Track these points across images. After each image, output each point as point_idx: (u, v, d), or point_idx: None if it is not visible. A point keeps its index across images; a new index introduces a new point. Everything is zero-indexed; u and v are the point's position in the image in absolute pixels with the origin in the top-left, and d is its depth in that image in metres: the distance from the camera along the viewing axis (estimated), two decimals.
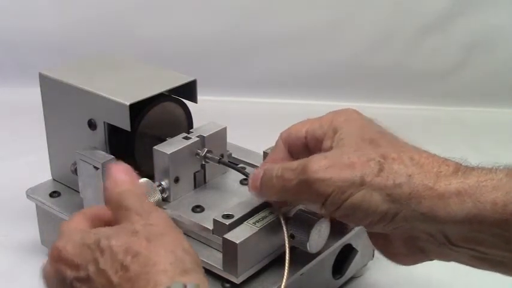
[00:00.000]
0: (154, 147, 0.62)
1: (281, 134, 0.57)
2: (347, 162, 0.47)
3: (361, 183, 0.46)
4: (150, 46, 1.25)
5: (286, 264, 0.53)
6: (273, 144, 0.73)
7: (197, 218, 0.60)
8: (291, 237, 0.57)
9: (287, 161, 0.54)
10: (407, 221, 0.46)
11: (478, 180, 0.45)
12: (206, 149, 0.63)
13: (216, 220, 0.58)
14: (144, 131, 0.66)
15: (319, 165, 0.47)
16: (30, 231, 0.78)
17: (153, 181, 0.62)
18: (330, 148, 0.51)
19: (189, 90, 0.69)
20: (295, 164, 0.50)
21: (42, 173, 0.76)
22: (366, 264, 0.73)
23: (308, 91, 1.27)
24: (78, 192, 0.68)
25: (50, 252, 0.46)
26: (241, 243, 0.55)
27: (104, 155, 0.65)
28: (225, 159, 0.65)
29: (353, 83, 1.28)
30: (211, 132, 0.65)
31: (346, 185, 0.46)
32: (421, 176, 0.46)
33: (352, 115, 0.53)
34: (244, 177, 0.65)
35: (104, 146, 0.67)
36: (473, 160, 1.11)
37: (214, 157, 0.63)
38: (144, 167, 0.67)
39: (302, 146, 0.55)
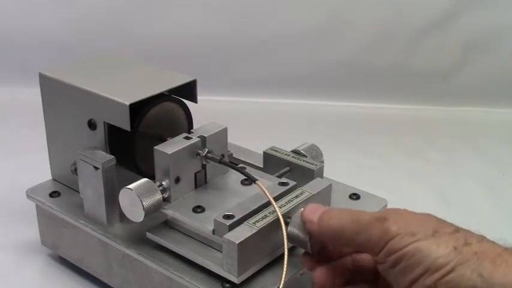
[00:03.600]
0: (155, 147, 0.62)
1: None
2: (425, 219, 0.47)
3: (433, 234, 0.45)
4: (150, 46, 1.25)
5: (285, 264, 0.53)
6: (273, 144, 0.73)
7: (198, 218, 0.60)
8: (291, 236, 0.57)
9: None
10: (461, 281, 0.44)
11: None
12: (207, 149, 0.63)
13: (217, 220, 0.58)
14: (144, 131, 0.66)
15: (399, 212, 0.48)
16: (30, 231, 0.78)
17: (154, 181, 0.61)
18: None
19: (189, 90, 0.69)
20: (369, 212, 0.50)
21: (42, 173, 0.76)
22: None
23: (308, 91, 1.27)
24: (78, 192, 0.68)
25: None
26: (241, 243, 0.55)
27: (104, 155, 0.65)
28: (226, 160, 0.65)
29: (353, 83, 1.28)
30: (212, 133, 0.65)
31: (417, 231, 0.45)
32: (490, 243, 0.45)
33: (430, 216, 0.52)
34: (245, 177, 0.65)
35: (104, 146, 0.67)
36: (472, 160, 1.11)
37: (215, 157, 0.63)
38: (144, 167, 0.67)
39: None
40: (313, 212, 0.53)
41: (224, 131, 0.66)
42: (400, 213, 0.48)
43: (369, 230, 0.47)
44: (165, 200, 0.62)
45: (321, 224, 0.51)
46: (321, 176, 0.69)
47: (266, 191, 0.57)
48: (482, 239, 0.45)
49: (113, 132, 0.66)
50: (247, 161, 0.73)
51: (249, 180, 0.64)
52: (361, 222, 0.48)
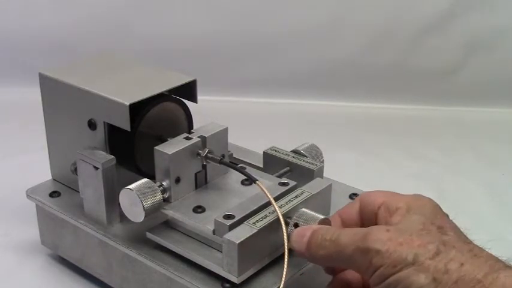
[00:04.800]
0: (156, 147, 0.62)
1: (361, 194, 0.58)
2: (407, 239, 0.47)
3: (413, 262, 0.46)
4: (150, 46, 1.25)
5: (285, 264, 0.53)
6: (273, 144, 0.73)
7: (198, 218, 0.60)
8: (295, 226, 0.57)
9: (353, 223, 0.56)
10: None
11: None
12: (207, 150, 0.63)
13: (217, 221, 0.58)
14: (144, 131, 0.66)
15: (380, 236, 0.48)
16: (30, 231, 0.78)
17: (154, 181, 0.61)
18: (398, 223, 0.51)
19: (189, 90, 0.69)
20: (354, 230, 0.50)
21: (42, 173, 0.76)
22: None
23: (308, 91, 1.27)
24: (78, 192, 0.68)
25: None
26: (241, 243, 0.55)
27: (104, 155, 0.65)
28: (226, 160, 0.65)
29: (353, 83, 1.28)
30: (212, 133, 0.65)
31: (398, 261, 0.46)
32: (473, 266, 0.45)
33: (431, 203, 0.53)
34: (245, 177, 0.65)
35: (104, 146, 0.67)
36: (472, 160, 1.11)
37: (215, 157, 0.63)
38: (144, 167, 0.67)
39: (373, 214, 0.55)
40: (300, 241, 0.53)
41: (224, 131, 0.66)
42: (383, 232, 0.48)
43: (354, 262, 0.49)
44: (166, 200, 0.62)
45: (310, 252, 0.53)
46: (321, 176, 0.69)
47: (266, 191, 0.57)
48: (464, 261, 0.45)
49: (113, 132, 0.66)
50: (247, 161, 0.73)
51: (249, 181, 0.64)
52: (345, 255, 0.49)
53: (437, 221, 0.50)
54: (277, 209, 0.57)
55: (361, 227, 0.55)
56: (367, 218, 0.55)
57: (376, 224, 0.53)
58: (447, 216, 0.52)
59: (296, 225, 0.57)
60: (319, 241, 0.52)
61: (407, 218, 0.50)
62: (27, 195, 0.73)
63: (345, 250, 0.49)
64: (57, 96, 0.70)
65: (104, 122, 0.66)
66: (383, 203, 0.54)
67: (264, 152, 0.72)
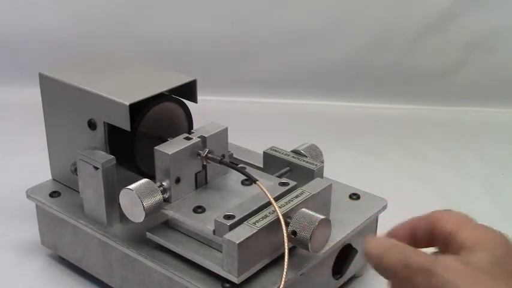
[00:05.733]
0: (156, 147, 0.62)
1: (432, 215, 0.52)
2: (479, 278, 0.44)
3: None
4: (150, 46, 1.25)
5: (285, 264, 0.53)
6: (273, 144, 0.73)
7: (198, 218, 0.60)
8: (293, 234, 0.57)
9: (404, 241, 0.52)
10: None
11: None
12: (207, 150, 0.63)
13: (217, 221, 0.58)
14: (144, 131, 0.66)
15: (452, 265, 0.44)
16: (30, 231, 0.78)
17: (154, 181, 0.61)
18: (469, 259, 0.46)
19: (189, 90, 0.69)
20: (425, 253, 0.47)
21: (42, 173, 0.76)
22: (366, 264, 0.73)
23: (308, 91, 1.27)
24: (78, 192, 0.68)
25: None
26: (241, 243, 0.55)
27: (104, 155, 0.65)
28: (226, 160, 0.65)
29: (353, 82, 1.28)
30: (212, 133, 0.65)
31: None
32: None
33: (501, 238, 0.49)
34: (245, 177, 0.65)
35: (104, 146, 0.67)
36: (472, 160, 1.11)
37: (215, 157, 0.63)
38: (144, 167, 0.67)
39: (441, 239, 0.51)
40: (375, 248, 0.49)
41: (224, 131, 0.66)
42: (454, 262, 0.45)
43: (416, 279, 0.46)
44: (166, 200, 0.62)
45: (377, 264, 0.49)
46: (321, 176, 0.69)
47: (266, 191, 0.57)
48: None
49: (113, 132, 0.66)
50: (247, 161, 0.73)
51: (249, 181, 0.64)
52: (412, 270, 0.46)
53: (509, 264, 0.46)
54: (277, 209, 0.57)
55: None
56: (419, 239, 0.52)
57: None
58: None
59: (294, 233, 0.57)
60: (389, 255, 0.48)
61: (474, 254, 0.46)
62: (27, 195, 0.73)
63: (405, 261, 0.46)
64: (57, 96, 0.70)
65: (104, 122, 0.66)
66: (452, 232, 0.49)
67: (264, 152, 0.72)
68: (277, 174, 0.68)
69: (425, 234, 0.51)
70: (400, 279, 0.47)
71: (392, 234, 0.54)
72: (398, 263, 0.47)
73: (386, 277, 0.49)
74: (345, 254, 0.68)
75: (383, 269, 0.49)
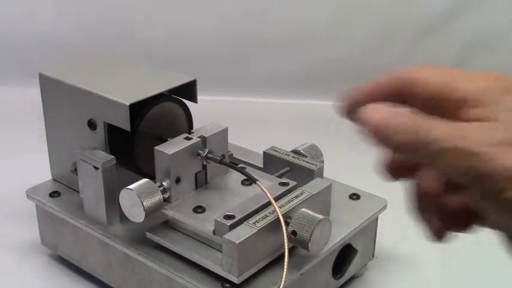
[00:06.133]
0: (156, 147, 0.62)
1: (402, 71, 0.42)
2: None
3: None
4: (150, 46, 1.25)
5: (285, 264, 0.53)
6: (273, 144, 0.73)
7: (198, 218, 0.60)
8: (293, 234, 0.57)
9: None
10: None
11: None
12: (207, 150, 0.63)
13: (217, 221, 0.58)
14: (144, 131, 0.66)
15: (484, 137, 0.34)
16: (30, 231, 0.78)
17: (154, 181, 0.61)
18: (487, 118, 0.36)
19: (189, 90, 0.69)
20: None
21: (42, 173, 0.76)
22: (366, 264, 0.74)
23: (308, 91, 1.27)
24: (78, 192, 0.68)
25: None
26: (241, 243, 0.55)
27: (104, 155, 0.65)
28: (226, 160, 0.65)
29: (353, 83, 1.27)
30: (212, 133, 0.65)
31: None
32: None
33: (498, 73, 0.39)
34: (245, 177, 0.65)
35: (104, 146, 0.67)
36: None
37: (215, 157, 0.63)
38: (144, 167, 0.67)
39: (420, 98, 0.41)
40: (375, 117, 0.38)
41: (224, 131, 0.66)
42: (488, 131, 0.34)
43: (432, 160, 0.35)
44: (166, 200, 0.62)
45: (383, 133, 0.38)
46: (321, 176, 0.69)
47: (266, 191, 0.57)
48: None
49: (113, 132, 0.66)
50: (247, 161, 0.73)
51: (249, 181, 0.64)
52: (422, 153, 0.36)
53: None
54: (277, 209, 0.57)
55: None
56: (410, 102, 0.41)
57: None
58: None
59: (294, 233, 0.57)
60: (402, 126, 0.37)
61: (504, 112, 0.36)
62: (27, 195, 0.73)
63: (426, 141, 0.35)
64: (57, 96, 0.70)
65: (104, 122, 0.66)
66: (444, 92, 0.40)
67: (264, 152, 0.72)
68: (277, 174, 0.68)
69: (393, 98, 0.41)
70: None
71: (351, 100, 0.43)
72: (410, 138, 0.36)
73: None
74: (345, 254, 0.68)
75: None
